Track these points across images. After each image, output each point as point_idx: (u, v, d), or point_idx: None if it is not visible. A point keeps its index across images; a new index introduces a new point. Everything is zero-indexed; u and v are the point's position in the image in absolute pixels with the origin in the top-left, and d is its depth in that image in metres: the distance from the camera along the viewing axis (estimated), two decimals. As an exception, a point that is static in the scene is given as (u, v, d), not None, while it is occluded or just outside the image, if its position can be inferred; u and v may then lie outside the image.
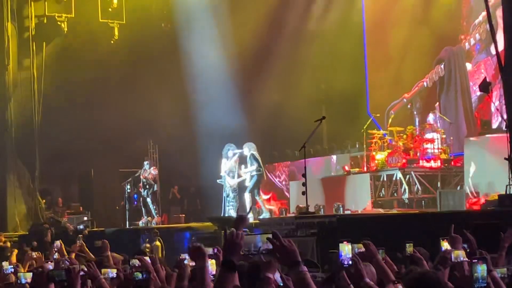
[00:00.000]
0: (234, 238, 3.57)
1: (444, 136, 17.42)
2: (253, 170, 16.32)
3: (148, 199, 18.98)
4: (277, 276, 4.12)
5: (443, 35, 19.26)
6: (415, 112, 19.12)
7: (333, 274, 4.62)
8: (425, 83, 19.69)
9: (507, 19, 11.62)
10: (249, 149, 16.39)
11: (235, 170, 16.94)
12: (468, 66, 18.77)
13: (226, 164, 17.04)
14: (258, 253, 3.65)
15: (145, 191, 19.00)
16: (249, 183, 16.52)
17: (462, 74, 18.85)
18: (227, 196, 16.99)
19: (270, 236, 3.57)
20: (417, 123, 18.43)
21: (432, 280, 3.88)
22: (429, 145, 16.89)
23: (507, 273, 4.82)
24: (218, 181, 17.39)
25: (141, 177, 18.99)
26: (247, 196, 16.54)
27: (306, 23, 21.13)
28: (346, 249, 4.43)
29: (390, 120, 18.82)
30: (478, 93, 17.77)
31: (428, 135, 17.11)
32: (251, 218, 15.67)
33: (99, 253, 9.19)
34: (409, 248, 6.10)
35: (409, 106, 19.80)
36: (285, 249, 3.53)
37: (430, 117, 18.68)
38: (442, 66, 19.28)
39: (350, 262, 4.43)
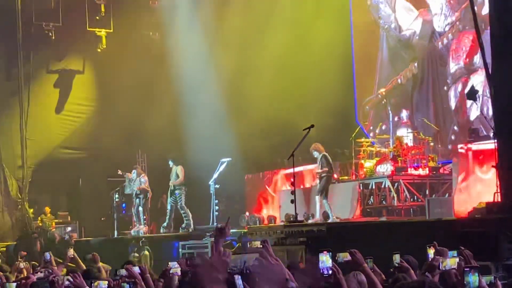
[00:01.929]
0: (220, 255, 3.49)
1: (432, 143, 17.45)
2: (324, 172, 15.75)
3: (140, 208, 18.85)
4: (239, 282, 3.86)
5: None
6: (389, 108, 19.43)
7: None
8: (399, 80, 20.05)
9: (495, 29, 11.66)
10: (319, 151, 15.85)
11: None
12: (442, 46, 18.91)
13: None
14: (244, 270, 3.57)
15: (137, 199, 18.91)
16: (318, 185, 15.95)
17: (435, 73, 19.17)
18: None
19: (257, 255, 3.52)
20: (390, 119, 18.63)
21: None
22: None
23: (493, 280, 4.83)
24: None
25: (136, 189, 18.87)
26: (317, 199, 15.91)
27: (294, 30, 21.11)
28: (324, 259, 4.40)
29: (363, 112, 19.16)
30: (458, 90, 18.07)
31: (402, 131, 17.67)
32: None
33: (90, 265, 9.13)
34: (396, 258, 6.08)
35: (383, 101, 20.12)
36: (273, 268, 3.46)
37: (404, 114, 19.11)
38: (416, 64, 19.61)
39: (330, 272, 4.40)
